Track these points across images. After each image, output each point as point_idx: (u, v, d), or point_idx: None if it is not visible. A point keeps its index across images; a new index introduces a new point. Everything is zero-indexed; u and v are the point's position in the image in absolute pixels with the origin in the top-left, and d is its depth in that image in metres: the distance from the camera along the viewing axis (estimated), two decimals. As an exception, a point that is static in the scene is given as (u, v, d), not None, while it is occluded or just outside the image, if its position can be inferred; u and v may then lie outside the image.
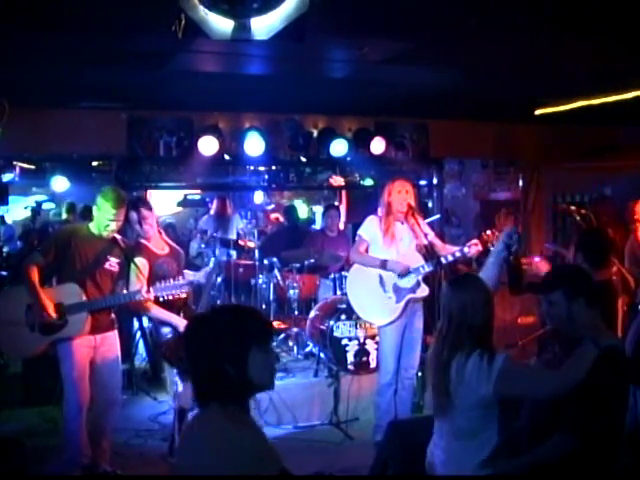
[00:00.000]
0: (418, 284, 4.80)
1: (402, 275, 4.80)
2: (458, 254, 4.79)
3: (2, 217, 9.56)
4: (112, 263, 4.38)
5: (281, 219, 10.73)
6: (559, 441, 2.73)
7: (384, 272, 4.86)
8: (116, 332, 4.50)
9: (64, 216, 8.28)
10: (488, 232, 4.84)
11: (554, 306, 2.90)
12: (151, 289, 4.29)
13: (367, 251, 4.99)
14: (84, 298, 4.23)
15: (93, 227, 4.35)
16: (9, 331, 4.28)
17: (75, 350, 4.23)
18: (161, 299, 4.34)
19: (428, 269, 4.78)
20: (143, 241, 4.79)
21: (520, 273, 3.24)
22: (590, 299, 2.89)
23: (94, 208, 4.35)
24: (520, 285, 3.23)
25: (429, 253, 4.82)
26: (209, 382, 2.05)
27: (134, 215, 4.73)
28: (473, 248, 4.76)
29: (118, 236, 4.41)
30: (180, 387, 4.85)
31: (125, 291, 4.39)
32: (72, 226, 4.86)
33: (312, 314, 6.48)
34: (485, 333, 2.86)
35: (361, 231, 5.00)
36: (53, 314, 4.12)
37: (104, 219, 4.25)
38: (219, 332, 2.06)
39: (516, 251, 3.32)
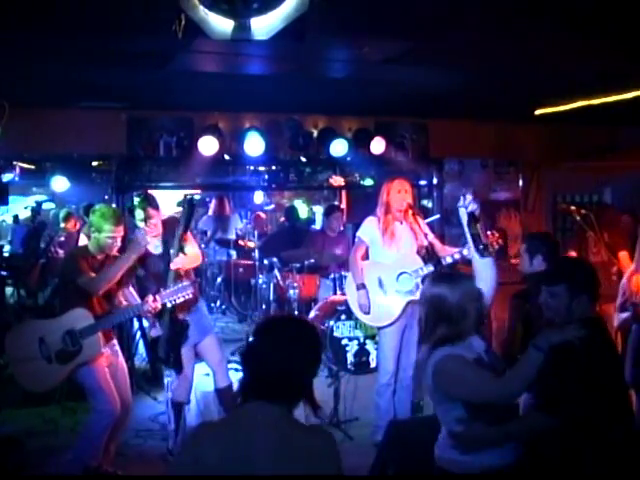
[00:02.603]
0: (417, 287, 4.80)
1: (398, 276, 4.81)
2: (457, 256, 4.79)
3: (16, 216, 9.55)
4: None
5: (263, 216, 10.73)
6: (534, 418, 2.77)
7: (383, 274, 4.86)
8: (115, 339, 4.55)
9: (62, 225, 8.20)
10: (488, 233, 4.84)
11: (555, 298, 2.91)
12: (157, 297, 4.28)
13: (367, 253, 4.99)
14: (92, 320, 4.21)
15: (92, 247, 4.34)
16: (27, 367, 4.24)
17: (94, 364, 4.24)
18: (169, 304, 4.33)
19: (427, 270, 4.77)
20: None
21: (479, 234, 3.11)
22: (592, 295, 2.92)
23: (91, 230, 4.31)
24: (485, 248, 3.12)
25: (429, 254, 4.83)
26: (294, 388, 2.16)
27: (140, 214, 4.70)
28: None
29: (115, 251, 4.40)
30: (174, 381, 4.87)
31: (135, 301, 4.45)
32: (78, 249, 4.81)
33: (312, 314, 6.49)
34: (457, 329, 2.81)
35: (360, 233, 4.99)
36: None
37: (105, 238, 4.24)
38: (316, 348, 2.25)
39: (476, 213, 3.22)
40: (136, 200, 4.80)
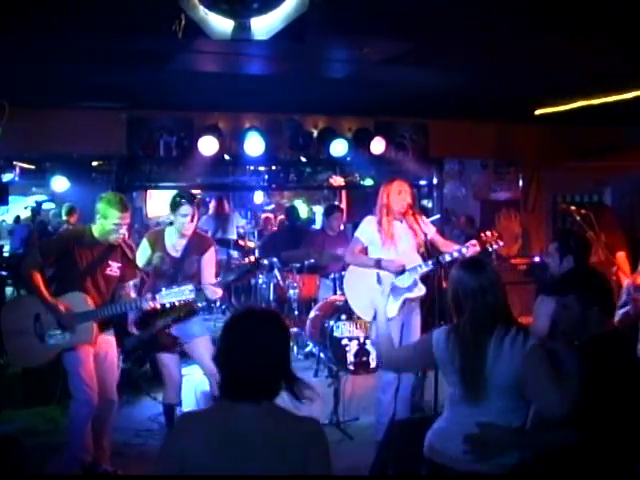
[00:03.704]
0: (415, 283, 4.79)
1: (398, 273, 4.80)
2: (456, 254, 4.79)
3: (18, 217, 9.58)
4: (113, 268, 4.34)
5: (271, 217, 10.75)
6: (565, 434, 2.71)
7: (382, 271, 4.85)
8: (112, 331, 4.51)
9: (64, 218, 8.26)
10: (487, 233, 4.87)
11: (566, 310, 2.89)
12: (157, 296, 4.22)
13: (365, 252, 4.99)
14: (91, 305, 4.20)
15: (96, 232, 4.29)
16: (18, 341, 4.23)
17: (80, 349, 4.22)
18: (168, 304, 4.29)
19: (426, 268, 4.77)
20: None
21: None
22: (605, 307, 2.87)
23: (96, 216, 4.26)
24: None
25: (428, 252, 4.83)
26: (275, 379, 2.14)
27: (188, 209, 4.64)
28: (471, 249, 4.79)
29: (120, 239, 4.35)
30: (166, 383, 4.87)
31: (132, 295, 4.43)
32: (74, 230, 4.74)
33: (312, 314, 6.49)
34: (509, 311, 2.84)
35: (358, 233, 4.98)
36: (63, 309, 4.10)
37: (110, 225, 4.20)
38: (285, 331, 2.23)
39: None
40: (180, 196, 4.76)
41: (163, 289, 4.27)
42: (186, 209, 4.65)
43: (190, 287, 4.26)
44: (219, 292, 4.70)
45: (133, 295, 4.53)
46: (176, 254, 4.75)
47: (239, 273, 4.64)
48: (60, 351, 4.20)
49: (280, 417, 2.12)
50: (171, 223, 4.79)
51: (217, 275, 4.85)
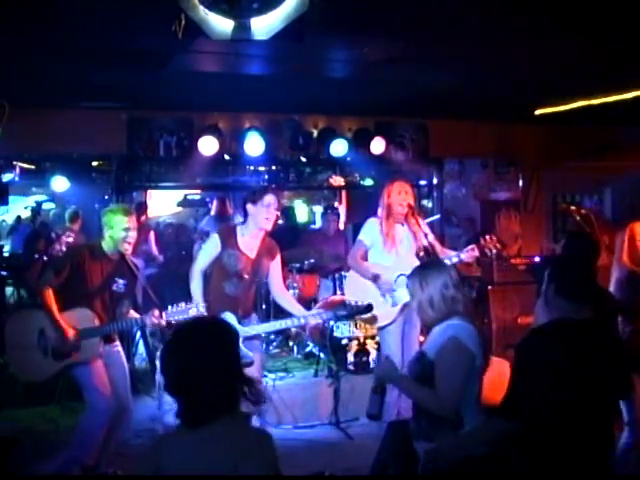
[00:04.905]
0: None
1: (384, 294, 4.80)
2: (455, 259, 4.81)
3: (19, 217, 9.57)
4: (119, 285, 4.31)
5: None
6: (494, 424, 2.81)
7: (382, 276, 4.85)
8: (118, 341, 4.47)
9: (67, 224, 8.21)
10: (487, 237, 4.90)
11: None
12: (163, 314, 4.18)
13: (366, 255, 4.99)
14: (96, 322, 4.18)
15: (106, 245, 4.27)
16: (22, 355, 4.23)
17: (90, 361, 4.20)
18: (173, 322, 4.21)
19: None
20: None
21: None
22: (563, 291, 2.87)
23: (104, 228, 4.24)
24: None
25: (428, 255, 4.84)
26: (224, 395, 2.07)
27: (267, 212, 4.48)
28: (470, 254, 4.81)
29: (128, 254, 4.30)
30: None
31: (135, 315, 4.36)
32: (87, 246, 4.61)
33: (312, 314, 6.46)
34: None
35: (361, 236, 4.97)
36: (72, 337, 4.08)
37: (119, 232, 4.18)
38: (228, 343, 2.14)
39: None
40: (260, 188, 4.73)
41: (169, 307, 4.22)
42: (270, 198, 4.41)
43: (194, 309, 4.18)
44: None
45: (133, 313, 4.43)
46: (250, 254, 4.50)
47: None
48: (65, 365, 4.18)
49: (226, 437, 2.04)
50: (243, 222, 4.56)
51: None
